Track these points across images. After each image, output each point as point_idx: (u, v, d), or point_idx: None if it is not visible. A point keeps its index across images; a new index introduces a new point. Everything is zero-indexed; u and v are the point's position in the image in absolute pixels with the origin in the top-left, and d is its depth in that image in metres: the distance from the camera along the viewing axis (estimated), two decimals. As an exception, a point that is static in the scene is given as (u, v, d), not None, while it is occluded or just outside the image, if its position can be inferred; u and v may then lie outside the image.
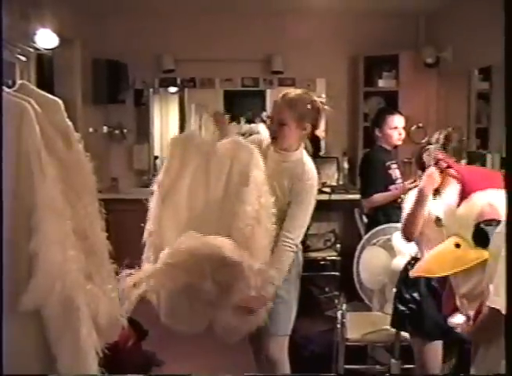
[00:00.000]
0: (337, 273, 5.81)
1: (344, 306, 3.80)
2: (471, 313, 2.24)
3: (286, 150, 3.20)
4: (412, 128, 5.74)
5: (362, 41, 6.49)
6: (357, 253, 3.83)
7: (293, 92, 3.23)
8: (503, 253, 2.02)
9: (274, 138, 3.20)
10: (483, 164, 4.90)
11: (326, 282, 5.92)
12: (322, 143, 6.94)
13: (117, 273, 2.59)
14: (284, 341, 3.32)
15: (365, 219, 5.16)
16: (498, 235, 2.11)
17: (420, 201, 2.92)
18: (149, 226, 3.09)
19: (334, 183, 6.65)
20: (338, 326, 3.73)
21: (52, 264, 1.98)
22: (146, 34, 6.46)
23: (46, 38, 5.01)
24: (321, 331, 4.60)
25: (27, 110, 1.99)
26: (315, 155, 3.41)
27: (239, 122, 3.34)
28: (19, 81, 2.20)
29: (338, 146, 6.88)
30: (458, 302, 2.37)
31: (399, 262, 3.52)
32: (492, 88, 5.26)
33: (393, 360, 3.73)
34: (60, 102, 2.21)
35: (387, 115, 4.77)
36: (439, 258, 2.19)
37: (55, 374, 2.06)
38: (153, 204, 3.09)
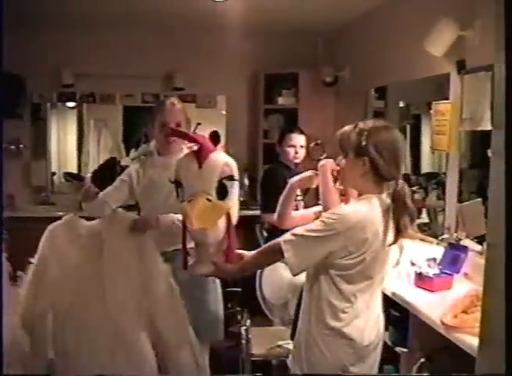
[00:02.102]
0: (238, 289, 5.81)
1: (248, 322, 3.82)
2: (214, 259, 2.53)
3: (171, 152, 3.51)
4: (311, 145, 5.81)
5: (263, 58, 6.61)
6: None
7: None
8: None
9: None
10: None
11: (227, 298, 5.90)
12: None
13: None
14: (208, 346, 3.58)
15: (265, 235, 5.21)
16: None
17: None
18: None
19: (235, 199, 6.64)
20: (243, 341, 3.74)
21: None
22: (45, 46, 6.31)
23: None
24: (226, 347, 4.59)
25: None
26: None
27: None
28: None
29: (238, 163, 6.83)
30: (198, 249, 2.57)
31: (302, 277, 3.56)
32: (387, 107, 5.45)
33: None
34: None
35: (287, 133, 4.91)
36: (202, 213, 2.40)
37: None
38: None
